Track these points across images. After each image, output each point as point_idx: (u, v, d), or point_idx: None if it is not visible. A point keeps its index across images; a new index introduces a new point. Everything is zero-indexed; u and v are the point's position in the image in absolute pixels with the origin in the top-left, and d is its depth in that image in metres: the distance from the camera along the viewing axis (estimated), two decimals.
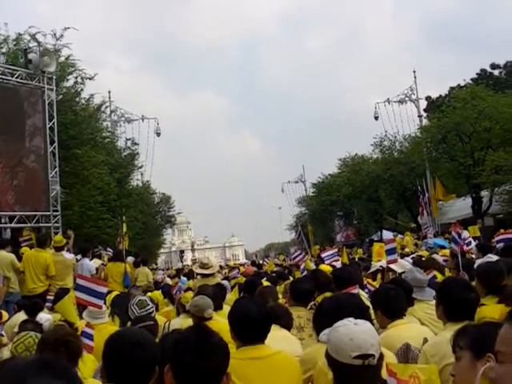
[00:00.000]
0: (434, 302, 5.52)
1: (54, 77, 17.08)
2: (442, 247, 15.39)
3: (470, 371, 2.71)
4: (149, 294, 9.56)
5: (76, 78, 22.41)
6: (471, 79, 49.46)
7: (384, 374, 3.24)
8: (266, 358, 3.92)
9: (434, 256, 11.50)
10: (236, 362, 3.87)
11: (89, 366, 4.56)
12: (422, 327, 5.10)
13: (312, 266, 12.21)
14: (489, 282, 5.06)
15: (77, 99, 22.89)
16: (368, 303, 6.47)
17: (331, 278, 6.74)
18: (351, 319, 3.08)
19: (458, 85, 47.77)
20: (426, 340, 4.35)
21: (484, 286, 4.81)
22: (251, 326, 3.97)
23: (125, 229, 26.73)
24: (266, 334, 4.04)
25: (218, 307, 6.59)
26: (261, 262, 32.47)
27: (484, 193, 32.85)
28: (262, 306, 4.26)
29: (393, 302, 4.91)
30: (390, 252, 8.56)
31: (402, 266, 7.97)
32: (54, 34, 20.38)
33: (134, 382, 2.98)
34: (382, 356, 3.00)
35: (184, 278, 15.71)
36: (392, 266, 8.28)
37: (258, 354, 3.91)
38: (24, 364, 1.45)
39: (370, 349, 2.90)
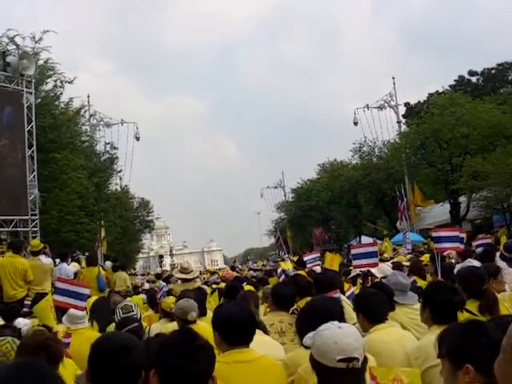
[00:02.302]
0: (416, 306, 5.55)
1: (33, 80, 16.94)
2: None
3: (451, 379, 2.71)
4: (128, 298, 9.49)
5: (55, 81, 22.38)
6: (449, 86, 49.98)
7: (367, 377, 3.24)
8: (252, 361, 3.90)
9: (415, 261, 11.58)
10: (221, 366, 3.84)
11: (69, 370, 4.51)
12: (403, 331, 5.10)
13: (291, 269, 12.24)
14: (470, 286, 5.07)
15: (56, 103, 22.80)
16: (349, 308, 6.51)
17: (312, 283, 6.74)
18: (335, 322, 3.08)
19: (437, 91, 48.19)
20: None
21: (465, 290, 4.83)
22: (237, 329, 3.95)
23: (103, 233, 26.61)
24: (252, 338, 4.02)
25: (202, 313, 6.54)
26: (240, 267, 32.51)
27: (462, 198, 33.17)
28: (247, 309, 4.24)
29: (374, 306, 4.91)
30: (370, 255, 8.55)
31: (383, 270, 7.98)
32: (33, 37, 20.31)
33: None
34: (366, 359, 3.00)
35: (163, 283, 15.62)
36: (373, 270, 8.29)
37: (243, 358, 3.88)
38: (3, 369, 1.42)
39: (354, 352, 2.89)
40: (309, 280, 6.97)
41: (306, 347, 3.22)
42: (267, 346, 4.82)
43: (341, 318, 3.70)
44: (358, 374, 2.96)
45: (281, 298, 6.06)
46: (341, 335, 2.95)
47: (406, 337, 4.81)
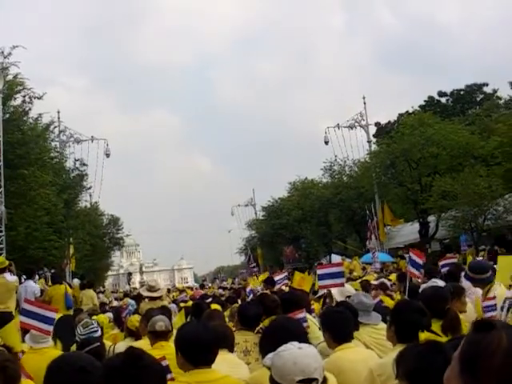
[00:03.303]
0: (380, 325, 5.57)
1: (1, 95, 16.80)
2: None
3: None
4: (94, 317, 9.39)
5: (24, 96, 22.11)
6: (419, 106, 50.59)
7: None
8: (214, 381, 3.87)
9: (383, 280, 11.63)
10: None
11: None
12: (368, 351, 5.12)
13: (259, 288, 12.21)
14: (433, 305, 5.10)
15: (24, 118, 22.55)
16: (315, 327, 6.51)
17: (278, 302, 6.73)
18: (295, 343, 3.07)
19: (407, 111, 48.74)
20: None
21: (428, 309, 4.84)
22: (199, 349, 3.92)
23: (72, 250, 26.38)
24: (214, 358, 3.99)
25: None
26: (209, 285, 32.42)
27: (431, 218, 33.44)
28: (209, 329, 4.21)
29: (341, 324, 4.92)
30: (336, 275, 8.55)
31: (343, 293, 7.93)
32: (2, 52, 20.07)
33: None
34: (325, 380, 3.00)
35: (132, 301, 15.51)
36: (333, 291, 8.27)
37: (205, 378, 3.85)
38: None
39: (314, 373, 2.89)
40: (275, 299, 6.95)
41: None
42: (232, 365, 4.80)
43: (303, 338, 3.69)
44: None
45: (246, 318, 6.05)
46: (300, 356, 2.94)
47: (370, 356, 4.82)
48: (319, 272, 8.98)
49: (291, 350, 3.01)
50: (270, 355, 3.14)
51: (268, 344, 3.77)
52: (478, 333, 1.52)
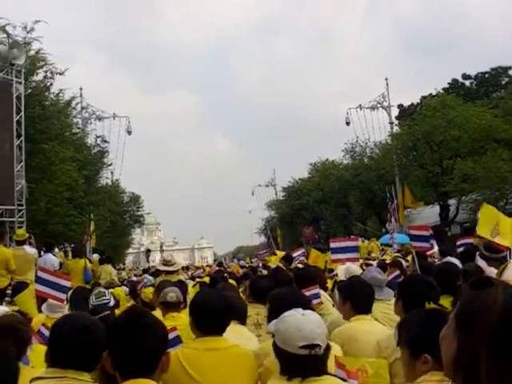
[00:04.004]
0: (392, 301, 5.56)
1: (23, 70, 16.88)
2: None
3: (410, 367, 2.73)
4: (111, 290, 9.47)
5: (46, 72, 22.22)
6: (443, 89, 49.98)
7: (331, 365, 3.25)
8: (223, 350, 3.90)
9: (398, 258, 11.60)
10: (192, 352, 3.86)
11: (40, 355, 4.47)
12: (382, 326, 5.12)
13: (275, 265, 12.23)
14: (444, 281, 5.08)
15: (46, 94, 22.68)
16: (328, 303, 6.52)
17: (291, 277, 6.75)
18: (299, 310, 3.09)
19: (430, 94, 48.23)
20: None
21: (439, 285, 4.82)
22: (211, 317, 3.94)
23: (92, 227, 26.50)
24: (225, 327, 4.02)
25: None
26: (227, 264, 32.46)
27: (451, 201, 33.23)
28: (223, 298, 4.23)
29: (363, 295, 4.94)
30: (350, 250, 8.42)
31: (350, 271, 7.86)
32: (25, 27, 20.20)
33: (79, 367, 2.96)
34: (328, 347, 3.01)
35: (150, 277, 15.60)
36: (339, 269, 8.21)
37: (214, 346, 3.88)
38: None
39: (317, 339, 2.90)
40: (288, 274, 6.99)
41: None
42: (242, 337, 4.82)
43: (307, 306, 3.69)
44: (320, 360, 2.97)
45: (258, 291, 6.05)
46: (303, 322, 2.96)
47: (382, 330, 4.82)
48: (332, 245, 8.86)
49: (294, 316, 3.02)
50: (274, 321, 3.16)
51: (273, 312, 3.79)
52: (475, 290, 1.51)
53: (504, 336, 1.38)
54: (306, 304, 3.82)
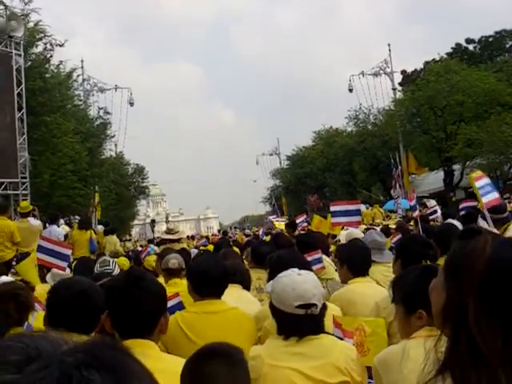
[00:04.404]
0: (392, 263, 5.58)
1: (22, 42, 16.77)
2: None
3: (405, 323, 2.75)
4: (115, 259, 9.53)
5: (45, 44, 22.06)
6: (446, 53, 49.50)
7: (329, 324, 3.28)
8: (221, 312, 3.94)
9: (402, 222, 11.64)
10: (190, 316, 3.90)
11: (41, 322, 4.52)
12: (380, 288, 5.14)
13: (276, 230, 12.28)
14: (443, 242, 5.08)
15: (46, 66, 22.54)
16: (331, 268, 6.54)
17: (292, 242, 6.77)
18: (295, 270, 3.10)
19: (433, 59, 47.81)
20: None
21: (439, 246, 4.83)
22: (208, 281, 3.97)
23: (97, 199, 26.56)
24: (223, 290, 4.06)
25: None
26: (232, 233, 32.59)
27: (456, 166, 33.14)
28: (220, 263, 4.28)
29: (360, 258, 4.97)
30: (352, 213, 8.35)
31: (351, 236, 7.84)
32: None
33: (76, 330, 2.98)
34: (324, 306, 3.03)
35: (154, 246, 15.70)
36: (341, 234, 8.18)
37: (213, 309, 3.93)
38: None
39: (312, 298, 2.92)
40: (290, 239, 7.01)
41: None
42: (243, 301, 4.86)
43: (306, 268, 3.71)
44: (316, 320, 2.99)
45: (259, 256, 6.08)
46: (299, 282, 2.97)
47: (381, 292, 4.84)
48: (333, 208, 8.74)
49: (290, 276, 3.03)
50: (271, 282, 3.18)
51: (273, 274, 3.81)
52: (464, 240, 1.51)
53: (491, 284, 1.39)
54: (304, 265, 3.83)
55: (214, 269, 4.04)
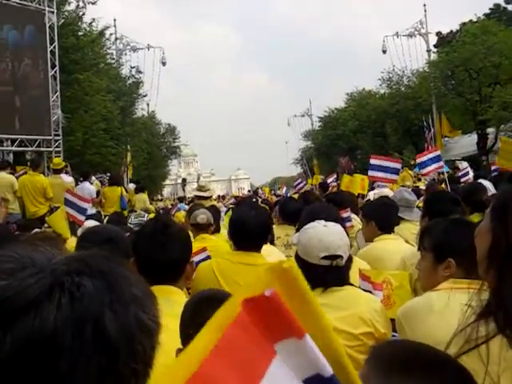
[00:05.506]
0: None
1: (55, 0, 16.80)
2: None
3: (431, 272, 2.74)
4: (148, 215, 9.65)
5: (78, 1, 22.08)
6: (484, 14, 48.35)
7: (355, 277, 3.29)
8: (257, 266, 3.82)
9: (432, 182, 11.56)
10: (226, 263, 3.88)
11: None
12: (408, 245, 5.14)
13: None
14: (472, 198, 5.05)
15: (79, 24, 22.59)
16: (360, 227, 6.54)
17: (321, 198, 6.77)
18: (321, 221, 3.11)
19: (470, 20, 46.77)
20: None
21: (467, 204, 4.79)
22: (247, 233, 3.93)
23: (129, 158, 26.75)
24: (261, 246, 4.01)
25: (215, 230, 6.54)
26: (262, 192, 32.67)
27: (490, 129, 32.62)
28: (262, 215, 4.19)
29: (388, 214, 4.96)
30: (390, 171, 8.21)
31: (381, 193, 7.76)
32: None
33: None
34: (350, 258, 3.04)
35: (185, 205, 15.78)
36: (371, 193, 8.13)
37: (250, 261, 3.86)
38: None
39: (338, 250, 2.93)
40: (318, 197, 7.01)
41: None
42: (273, 256, 4.88)
43: (332, 219, 3.70)
44: (342, 271, 3.01)
45: (287, 212, 6.08)
46: (325, 233, 2.98)
47: (409, 249, 4.84)
48: (372, 162, 8.54)
49: (316, 227, 3.04)
50: (297, 234, 3.19)
51: (301, 227, 3.82)
52: (511, 183, 1.51)
53: None
54: (336, 219, 3.76)
55: (255, 223, 3.95)
